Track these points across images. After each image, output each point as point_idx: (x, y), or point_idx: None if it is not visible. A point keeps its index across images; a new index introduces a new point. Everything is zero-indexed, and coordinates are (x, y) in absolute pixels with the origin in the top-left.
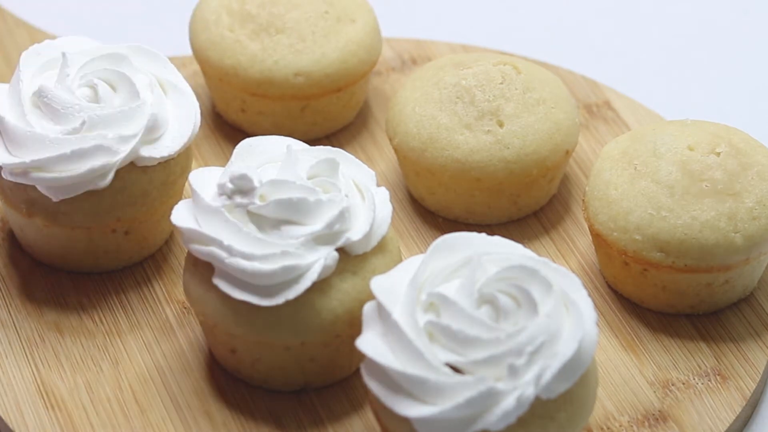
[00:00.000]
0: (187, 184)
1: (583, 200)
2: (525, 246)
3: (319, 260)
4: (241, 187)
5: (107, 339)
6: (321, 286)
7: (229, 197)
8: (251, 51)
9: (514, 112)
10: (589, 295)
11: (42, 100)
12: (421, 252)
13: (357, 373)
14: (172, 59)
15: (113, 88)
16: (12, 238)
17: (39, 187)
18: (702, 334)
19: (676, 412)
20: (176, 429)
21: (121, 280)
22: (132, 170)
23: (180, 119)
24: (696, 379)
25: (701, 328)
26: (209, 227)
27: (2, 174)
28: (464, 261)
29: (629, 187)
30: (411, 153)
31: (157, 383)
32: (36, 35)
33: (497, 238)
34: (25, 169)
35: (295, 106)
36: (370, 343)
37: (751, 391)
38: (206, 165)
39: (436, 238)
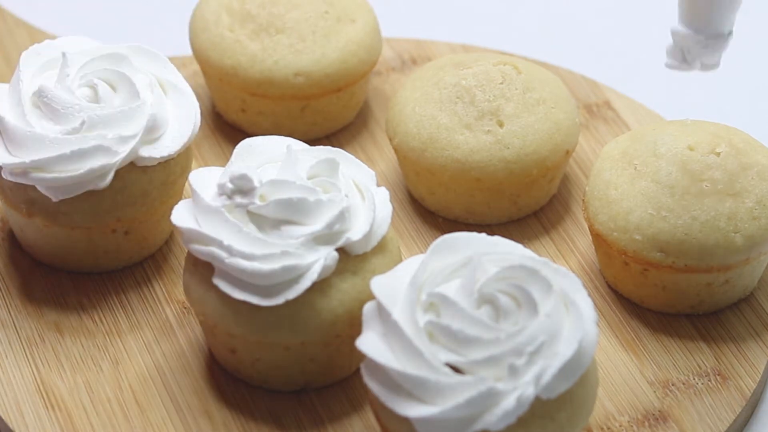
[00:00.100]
0: (187, 184)
1: (583, 200)
2: (525, 246)
3: (319, 260)
4: (241, 187)
5: (107, 339)
6: (321, 286)
7: (229, 197)
8: (251, 51)
9: (514, 112)
10: (589, 295)
11: (42, 100)
12: (421, 252)
13: (357, 373)
14: (172, 59)
15: (113, 88)
16: (12, 238)
17: (39, 187)
18: (702, 334)
19: (676, 412)
20: (176, 429)
21: (121, 280)
22: (132, 170)
23: (180, 119)
24: (696, 379)
25: (701, 328)
26: (209, 227)
27: (2, 174)
28: (464, 261)
29: (629, 187)
30: (411, 153)
31: (157, 383)
32: (36, 35)
33: (497, 238)
34: (25, 169)
35: (295, 106)
36: (370, 343)
37: (751, 391)
38: (206, 165)
39: (436, 238)
